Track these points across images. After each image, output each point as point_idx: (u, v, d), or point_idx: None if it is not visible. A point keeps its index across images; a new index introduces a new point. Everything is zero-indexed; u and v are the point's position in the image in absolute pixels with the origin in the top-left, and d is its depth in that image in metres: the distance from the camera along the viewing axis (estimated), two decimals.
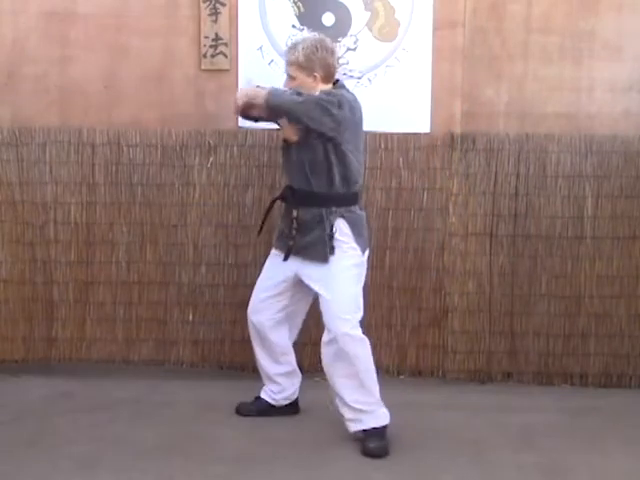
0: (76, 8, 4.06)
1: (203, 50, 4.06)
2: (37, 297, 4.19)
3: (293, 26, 4.07)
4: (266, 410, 3.64)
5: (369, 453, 3.28)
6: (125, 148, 4.13)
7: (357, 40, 4.05)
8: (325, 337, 3.36)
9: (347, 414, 3.37)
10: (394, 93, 4.07)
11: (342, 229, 3.34)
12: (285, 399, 3.65)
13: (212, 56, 4.07)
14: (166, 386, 4.00)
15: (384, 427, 3.35)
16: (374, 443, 3.30)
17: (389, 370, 4.14)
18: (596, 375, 4.16)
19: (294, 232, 3.37)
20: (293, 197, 3.42)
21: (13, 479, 3.04)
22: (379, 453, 3.28)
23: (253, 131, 4.11)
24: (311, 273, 3.38)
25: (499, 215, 4.11)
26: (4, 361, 4.20)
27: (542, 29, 4.05)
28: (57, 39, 4.08)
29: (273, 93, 3.30)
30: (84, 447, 3.30)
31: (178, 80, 4.11)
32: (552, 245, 4.11)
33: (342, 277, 3.33)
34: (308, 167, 3.34)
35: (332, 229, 3.32)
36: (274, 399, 3.64)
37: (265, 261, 3.59)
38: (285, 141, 3.43)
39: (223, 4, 4.03)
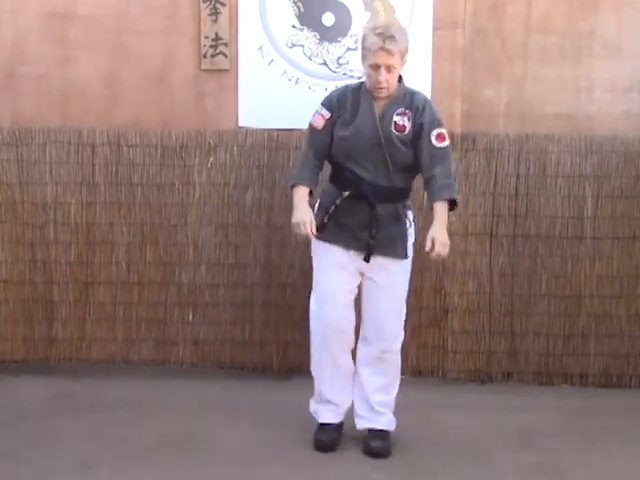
0: (76, 9, 4.06)
1: (203, 50, 4.06)
2: (37, 297, 4.19)
3: (293, 26, 4.07)
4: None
5: (371, 452, 3.26)
6: (125, 148, 4.13)
7: (357, 40, 4.04)
8: (369, 335, 3.31)
9: (362, 411, 3.34)
10: None
11: (412, 223, 3.32)
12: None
13: (212, 56, 4.07)
14: (166, 386, 4.00)
15: (389, 431, 3.35)
16: (377, 442, 3.28)
17: None
18: (596, 375, 4.16)
19: (374, 230, 3.21)
20: (374, 193, 3.22)
21: (13, 479, 3.04)
22: (381, 452, 3.26)
23: (253, 131, 4.11)
24: (382, 269, 3.25)
25: (499, 215, 4.12)
26: (4, 361, 4.20)
27: (542, 29, 4.05)
28: (57, 39, 4.08)
29: (454, 191, 3.22)
30: (84, 447, 3.30)
31: (178, 80, 4.11)
32: (552, 245, 4.12)
33: (408, 272, 3.33)
34: (393, 163, 3.22)
35: (408, 224, 3.29)
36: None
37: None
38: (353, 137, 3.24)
39: (223, 4, 4.04)
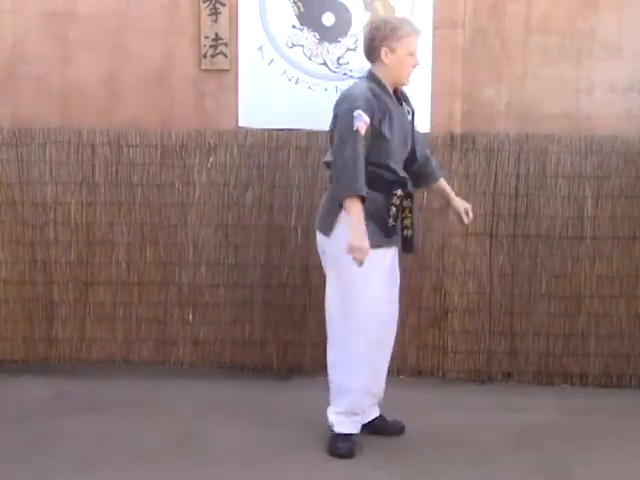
0: (76, 8, 4.07)
1: (203, 50, 4.07)
2: (37, 297, 4.19)
3: (293, 26, 4.07)
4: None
5: (397, 426, 3.49)
6: (125, 148, 4.13)
7: (357, 40, 4.05)
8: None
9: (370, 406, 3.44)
10: None
11: None
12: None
13: (212, 56, 4.07)
14: (166, 386, 4.00)
15: None
16: (393, 419, 3.48)
17: (389, 370, 4.12)
18: (596, 375, 4.15)
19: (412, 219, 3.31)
20: (411, 185, 3.33)
21: (13, 479, 3.04)
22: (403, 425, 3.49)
23: (253, 131, 4.11)
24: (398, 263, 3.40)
25: (499, 215, 4.12)
26: (4, 361, 4.20)
27: (542, 29, 4.05)
28: (57, 39, 4.08)
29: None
30: (84, 447, 3.30)
31: (178, 80, 4.11)
32: (552, 245, 4.11)
33: None
34: (405, 151, 3.33)
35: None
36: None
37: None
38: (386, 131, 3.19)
39: (223, 4, 4.04)
